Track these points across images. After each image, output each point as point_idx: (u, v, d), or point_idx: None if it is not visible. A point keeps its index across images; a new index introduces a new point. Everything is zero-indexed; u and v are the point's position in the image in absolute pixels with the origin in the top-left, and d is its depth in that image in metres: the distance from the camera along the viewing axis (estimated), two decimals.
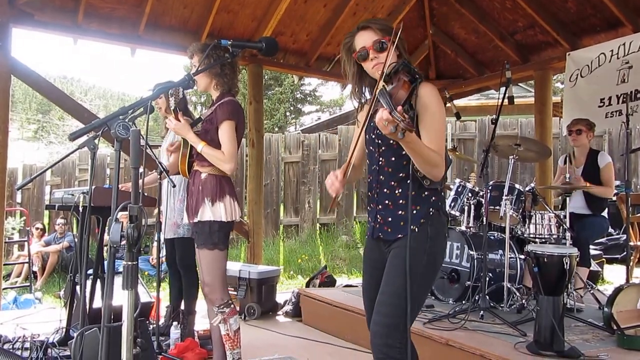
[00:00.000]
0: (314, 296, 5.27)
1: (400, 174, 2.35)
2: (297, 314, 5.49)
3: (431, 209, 2.34)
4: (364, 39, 2.40)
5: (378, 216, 2.43)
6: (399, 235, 2.35)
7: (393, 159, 2.37)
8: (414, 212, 2.32)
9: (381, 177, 2.42)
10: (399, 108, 1.95)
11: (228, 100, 3.38)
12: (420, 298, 2.35)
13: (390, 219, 2.39)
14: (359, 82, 2.52)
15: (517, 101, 4.91)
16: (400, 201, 2.36)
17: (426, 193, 2.34)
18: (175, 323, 4.36)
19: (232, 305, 3.36)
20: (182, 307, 4.63)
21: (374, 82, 2.39)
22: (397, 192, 2.37)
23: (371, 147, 2.48)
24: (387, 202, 2.40)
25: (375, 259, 2.50)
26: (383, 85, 2.18)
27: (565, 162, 5.34)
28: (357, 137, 2.49)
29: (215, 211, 3.28)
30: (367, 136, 2.50)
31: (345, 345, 4.53)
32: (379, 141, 2.41)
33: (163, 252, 4.71)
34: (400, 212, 2.36)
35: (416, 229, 2.31)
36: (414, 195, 2.31)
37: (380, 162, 2.42)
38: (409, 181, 2.30)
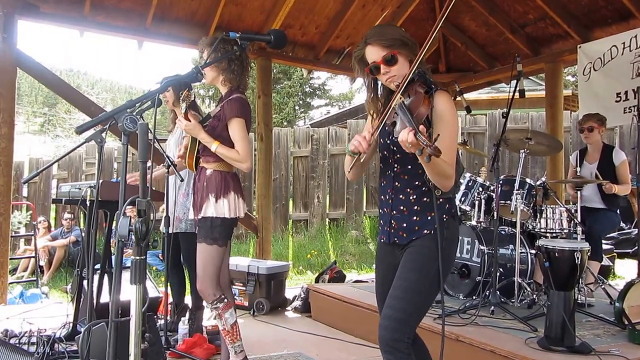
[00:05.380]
0: (323, 292, 5.24)
1: (416, 182, 2.37)
2: (306, 310, 5.46)
3: (445, 215, 2.36)
4: (373, 55, 2.38)
5: (392, 221, 2.44)
6: (414, 238, 2.36)
7: (409, 167, 2.38)
8: (429, 218, 2.34)
9: (397, 183, 2.42)
10: (422, 129, 1.96)
11: (236, 97, 3.34)
12: (432, 295, 2.35)
13: (405, 225, 2.40)
14: (374, 91, 2.51)
15: (527, 94, 4.87)
16: (415, 207, 2.38)
17: (441, 200, 2.35)
18: (182, 318, 4.35)
19: (225, 300, 3.32)
20: (189, 302, 4.62)
21: (389, 90, 2.42)
22: (412, 198, 2.39)
23: (385, 152, 2.47)
24: (402, 208, 2.41)
25: (388, 262, 2.50)
26: (401, 100, 2.19)
27: (576, 160, 5.28)
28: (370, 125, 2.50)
29: (218, 207, 3.26)
30: (380, 140, 2.49)
31: (354, 341, 4.50)
32: (394, 148, 2.40)
33: None
34: (415, 217, 2.38)
35: (432, 232, 2.33)
36: (428, 202, 2.35)
37: (395, 169, 2.42)
38: (424, 188, 2.35)
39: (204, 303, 3.36)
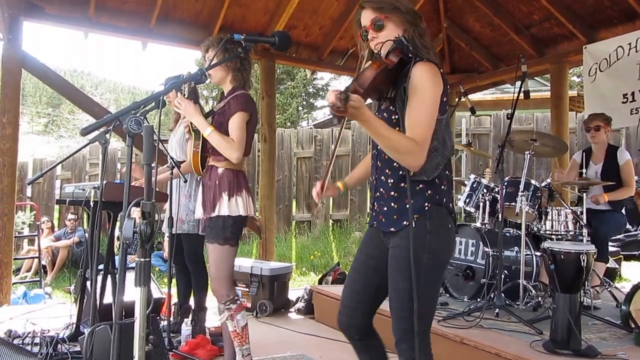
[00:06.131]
0: (327, 293, 5.22)
1: (394, 164, 2.20)
2: (309, 311, 5.45)
3: (427, 204, 2.17)
4: (364, 19, 2.29)
5: (375, 204, 2.34)
6: (392, 229, 2.23)
7: None
8: (407, 206, 2.17)
9: (379, 163, 2.30)
10: (355, 90, 1.86)
11: (241, 93, 3.36)
12: (429, 297, 2.21)
13: (385, 209, 2.27)
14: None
15: (532, 95, 4.84)
16: (392, 192, 2.23)
17: (420, 186, 2.18)
18: (185, 319, 4.34)
19: (238, 302, 3.32)
20: (192, 303, 4.61)
21: None
22: (389, 181, 2.24)
23: None
24: (382, 190, 2.29)
25: (373, 246, 2.38)
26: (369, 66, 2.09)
27: (582, 160, 5.25)
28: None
29: (232, 206, 3.26)
30: None
31: None
32: None
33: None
34: (393, 204, 2.23)
35: (412, 224, 2.15)
36: (406, 187, 2.17)
37: (378, 147, 2.29)
38: (401, 172, 2.19)
39: (213, 304, 3.34)
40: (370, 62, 2.12)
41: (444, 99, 2.18)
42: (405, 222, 2.17)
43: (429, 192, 2.19)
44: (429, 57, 2.19)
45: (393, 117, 2.19)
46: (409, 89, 2.11)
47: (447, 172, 2.26)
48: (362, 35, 2.31)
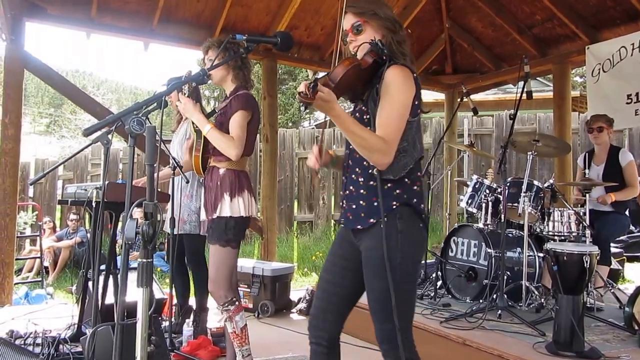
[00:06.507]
0: None
1: (364, 162, 2.22)
2: None
3: (395, 203, 2.19)
4: (346, 23, 2.37)
5: (344, 202, 2.35)
6: (359, 227, 2.25)
7: None
8: (375, 204, 2.20)
9: (350, 161, 2.33)
10: (324, 82, 1.95)
11: (243, 93, 3.37)
12: (406, 295, 2.21)
13: (354, 206, 2.28)
14: None
15: (535, 95, 4.84)
16: (362, 191, 2.26)
17: (389, 185, 2.20)
18: (187, 320, 4.33)
19: (236, 303, 3.32)
20: (194, 303, 4.61)
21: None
22: (360, 180, 2.27)
23: None
24: (351, 188, 2.30)
25: (345, 246, 2.38)
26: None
27: (584, 162, 5.24)
28: None
29: (233, 206, 3.26)
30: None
31: (358, 344, 4.47)
32: None
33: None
34: (361, 202, 2.25)
35: (384, 220, 2.15)
36: (375, 186, 2.19)
37: (350, 146, 2.32)
38: (370, 171, 2.21)
39: (215, 305, 3.34)
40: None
41: (416, 102, 2.22)
42: (372, 220, 2.20)
43: (398, 191, 2.22)
44: (405, 63, 2.24)
45: (365, 117, 2.24)
46: (381, 90, 2.17)
47: (418, 173, 2.29)
48: (343, 39, 2.36)
